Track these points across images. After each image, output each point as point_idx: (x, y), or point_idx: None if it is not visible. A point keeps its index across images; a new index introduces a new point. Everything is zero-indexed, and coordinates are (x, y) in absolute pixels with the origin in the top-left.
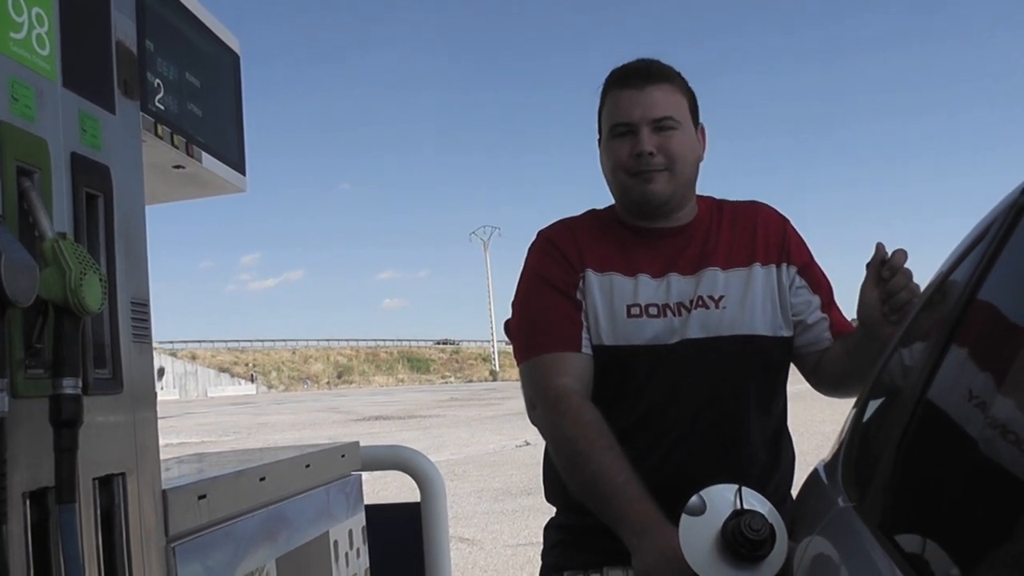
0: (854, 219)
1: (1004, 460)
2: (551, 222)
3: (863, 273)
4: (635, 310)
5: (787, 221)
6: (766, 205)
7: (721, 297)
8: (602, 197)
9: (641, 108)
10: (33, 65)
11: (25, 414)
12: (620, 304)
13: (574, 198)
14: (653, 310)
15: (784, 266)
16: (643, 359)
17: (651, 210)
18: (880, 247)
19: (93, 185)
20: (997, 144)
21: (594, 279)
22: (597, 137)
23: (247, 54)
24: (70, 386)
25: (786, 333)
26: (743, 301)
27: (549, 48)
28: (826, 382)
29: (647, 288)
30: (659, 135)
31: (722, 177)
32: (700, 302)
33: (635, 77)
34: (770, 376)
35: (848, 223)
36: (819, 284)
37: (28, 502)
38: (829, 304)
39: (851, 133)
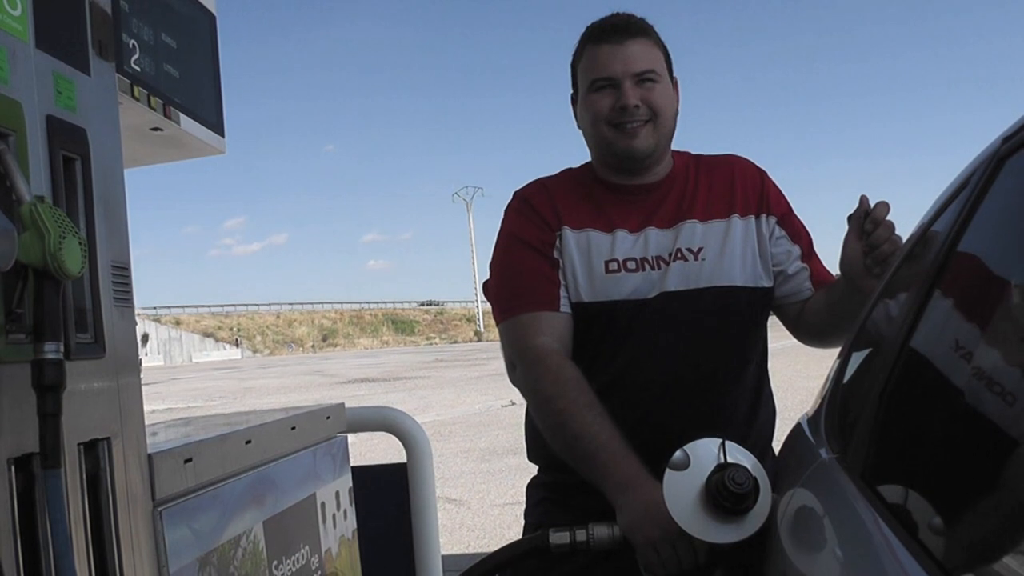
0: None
1: (984, 409)
2: (527, 182)
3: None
4: (613, 265)
5: (764, 173)
6: (742, 158)
7: (700, 249)
8: (582, 155)
9: (622, 62)
10: (5, 26)
11: (7, 379)
12: (598, 260)
13: (557, 157)
14: (631, 264)
15: (763, 217)
16: (622, 314)
17: (634, 164)
18: (863, 199)
19: (70, 148)
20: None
21: (571, 236)
22: (571, 94)
23: (228, 14)
24: (52, 351)
25: (766, 284)
26: (722, 253)
27: (532, 6)
28: (809, 333)
29: (624, 243)
30: (641, 88)
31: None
32: (679, 254)
33: (614, 32)
34: (750, 327)
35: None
36: (798, 234)
37: (13, 468)
38: (809, 254)
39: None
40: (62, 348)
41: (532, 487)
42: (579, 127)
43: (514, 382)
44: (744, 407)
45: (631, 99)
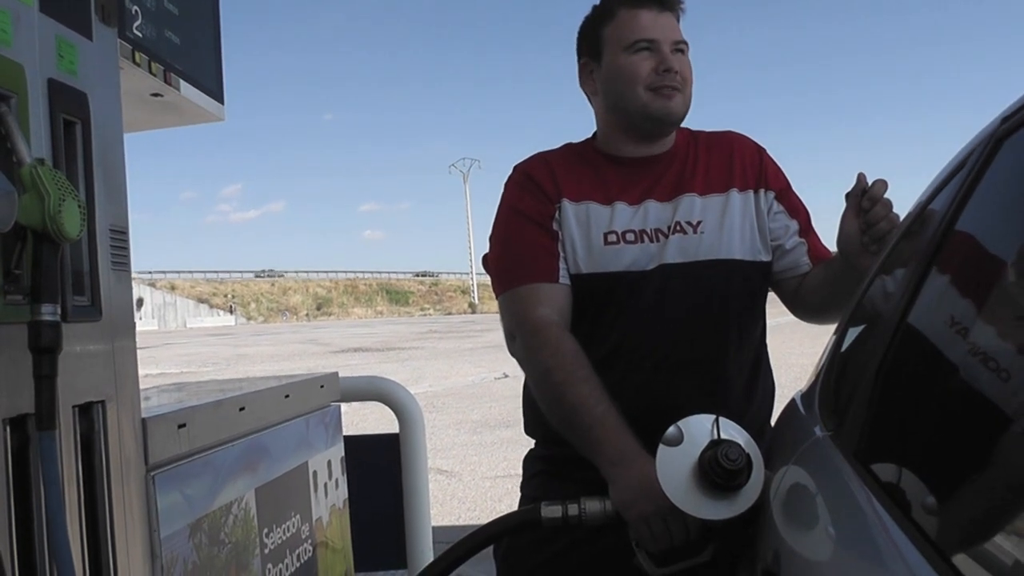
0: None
1: (979, 389)
2: (527, 155)
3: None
4: (612, 237)
5: (763, 149)
6: (741, 134)
7: (699, 222)
8: (581, 129)
9: (662, 28)
10: None
11: (4, 340)
12: (597, 232)
13: (554, 131)
14: (630, 236)
15: (762, 192)
16: (621, 286)
17: (665, 128)
18: (861, 177)
19: (70, 111)
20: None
21: (570, 208)
22: (583, 61)
23: None
24: (49, 312)
25: (765, 258)
26: (721, 226)
27: None
28: (806, 309)
29: (624, 215)
30: (675, 57)
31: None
32: (678, 227)
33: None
34: (748, 302)
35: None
36: (796, 210)
37: (8, 428)
38: (807, 229)
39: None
40: (59, 310)
41: (529, 460)
42: (594, 91)
43: (513, 353)
44: (742, 382)
45: (673, 63)
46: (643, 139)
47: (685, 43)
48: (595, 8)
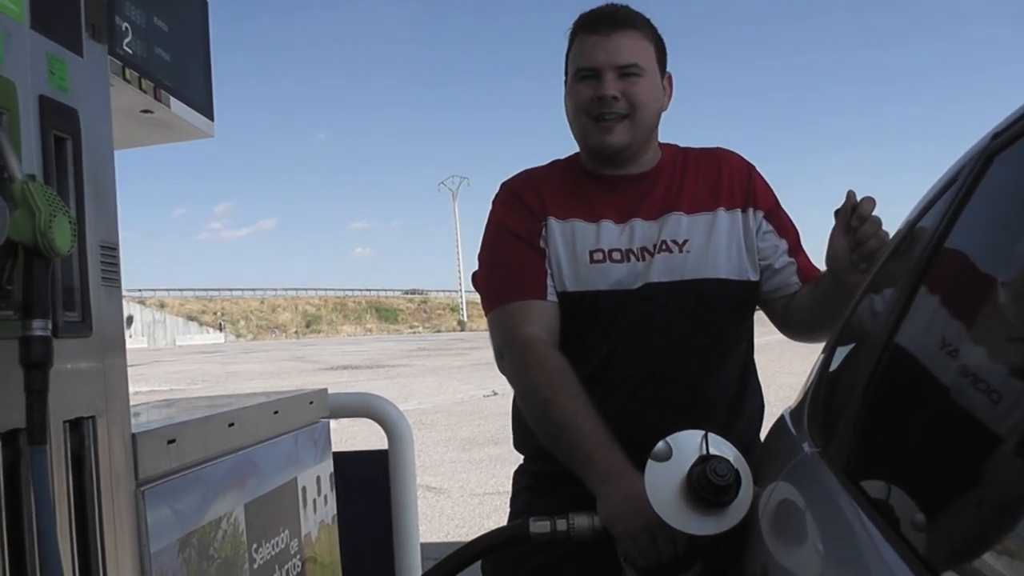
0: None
1: (968, 406)
2: (513, 173)
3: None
4: (598, 255)
5: (752, 167)
6: (731, 151)
7: (685, 241)
8: (568, 147)
9: (606, 53)
10: (2, 7)
11: None
12: (583, 250)
13: (542, 149)
14: (616, 255)
15: (751, 211)
16: (606, 304)
17: (608, 157)
18: (850, 195)
19: (61, 128)
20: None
21: (556, 226)
22: (564, 79)
23: None
24: (40, 328)
25: (752, 277)
26: (707, 245)
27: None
28: (795, 328)
29: (610, 233)
30: (623, 81)
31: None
32: (664, 246)
33: (602, 23)
34: (734, 320)
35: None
36: (786, 229)
37: (0, 443)
38: (796, 249)
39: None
40: (50, 325)
41: (518, 475)
42: (566, 115)
43: (502, 371)
44: (727, 399)
45: (609, 90)
46: (605, 164)
47: (636, 64)
48: None
